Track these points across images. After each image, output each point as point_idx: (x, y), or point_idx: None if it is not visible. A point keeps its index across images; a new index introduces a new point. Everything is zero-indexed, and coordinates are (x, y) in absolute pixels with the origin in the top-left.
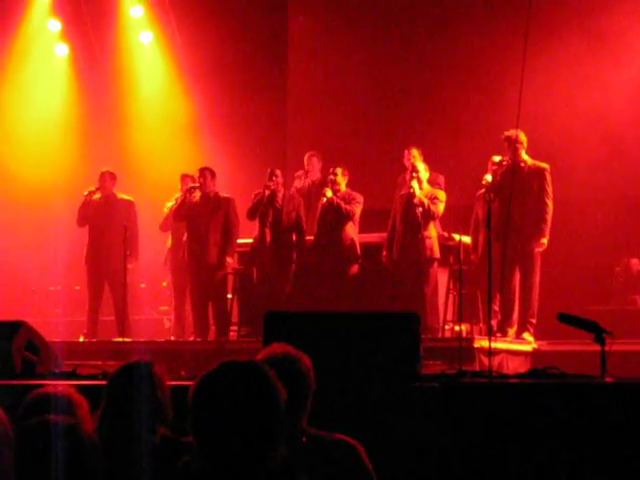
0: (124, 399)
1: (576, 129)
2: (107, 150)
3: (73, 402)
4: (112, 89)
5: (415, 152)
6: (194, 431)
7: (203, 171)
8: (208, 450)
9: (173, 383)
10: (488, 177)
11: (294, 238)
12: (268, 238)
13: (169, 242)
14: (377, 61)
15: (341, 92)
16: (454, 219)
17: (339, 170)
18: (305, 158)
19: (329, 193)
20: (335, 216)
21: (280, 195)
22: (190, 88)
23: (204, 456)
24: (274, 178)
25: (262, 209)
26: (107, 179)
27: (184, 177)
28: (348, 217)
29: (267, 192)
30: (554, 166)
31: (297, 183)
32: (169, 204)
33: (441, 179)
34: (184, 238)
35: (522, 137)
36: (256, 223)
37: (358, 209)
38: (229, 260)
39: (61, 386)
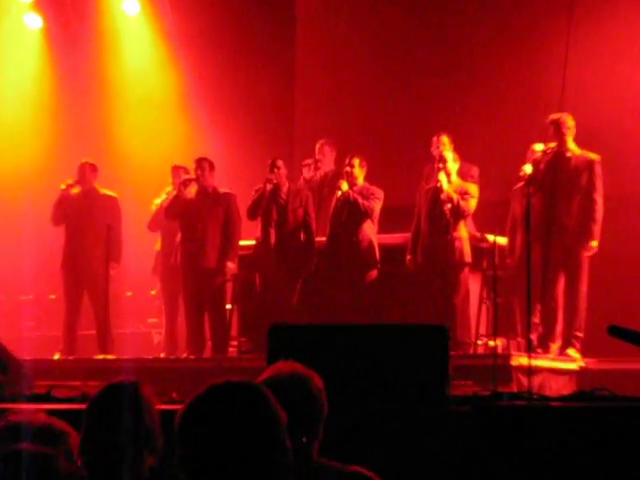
0: (106, 426)
1: (628, 115)
2: (86, 137)
3: (55, 432)
4: (92, 66)
5: (445, 139)
6: (181, 463)
7: (200, 162)
8: None
9: (163, 407)
10: (527, 168)
11: (302, 239)
12: (272, 239)
13: (158, 244)
14: (396, 38)
15: (356, 73)
16: (488, 217)
17: (356, 160)
18: (317, 146)
19: (345, 186)
20: (351, 214)
21: (284, 189)
22: (183, 67)
23: None
24: (276, 170)
25: (264, 206)
26: (87, 171)
27: (176, 169)
28: (366, 215)
29: (269, 186)
30: (604, 158)
31: (305, 173)
32: (158, 200)
33: (475, 171)
34: (177, 239)
35: (570, 122)
36: (258, 223)
37: (377, 206)
38: (229, 265)
39: (38, 413)
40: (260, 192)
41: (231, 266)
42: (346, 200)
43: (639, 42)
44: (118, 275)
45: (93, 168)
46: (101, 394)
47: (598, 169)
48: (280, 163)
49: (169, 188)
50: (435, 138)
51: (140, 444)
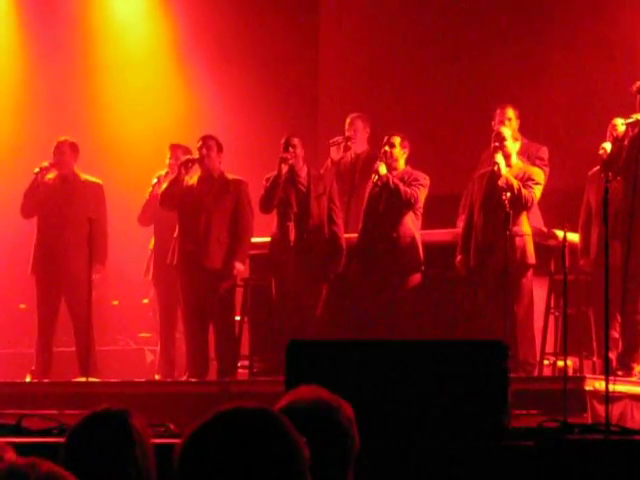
0: (89, 462)
1: None
2: (64, 112)
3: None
4: (71, 24)
5: (511, 112)
6: None
7: (207, 140)
8: None
9: (158, 441)
10: (607, 146)
11: (326, 235)
12: (292, 236)
13: (152, 242)
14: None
15: (391, 36)
16: (557, 209)
17: (397, 139)
18: (347, 121)
19: (383, 169)
20: (390, 204)
21: (303, 174)
22: (184, 25)
23: None
24: (291, 149)
25: (280, 195)
26: (66, 151)
27: (174, 148)
28: (409, 205)
29: (284, 168)
30: None
31: (334, 154)
32: (153, 180)
33: (544, 152)
34: (174, 234)
35: None
36: (273, 216)
37: (423, 195)
38: (239, 266)
39: (7, 451)
40: (274, 178)
41: (240, 268)
42: (384, 187)
43: None
44: (103, 280)
45: (73, 148)
46: (81, 425)
47: None
48: (296, 141)
49: (162, 171)
50: (498, 110)
51: None
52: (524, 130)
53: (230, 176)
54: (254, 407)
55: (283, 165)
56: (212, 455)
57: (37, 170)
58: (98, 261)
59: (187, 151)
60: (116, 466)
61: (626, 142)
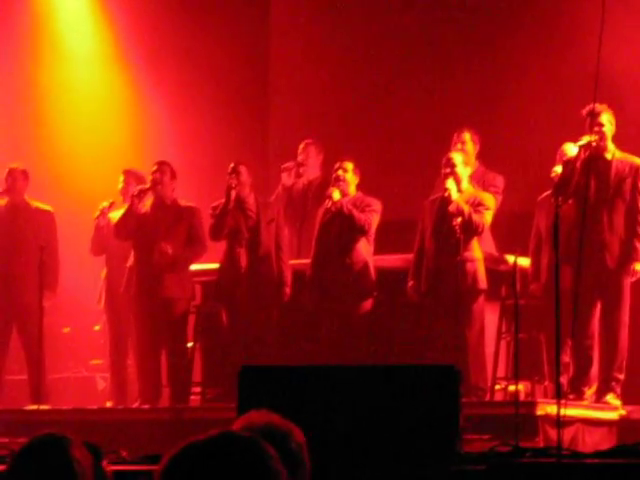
0: None
1: None
2: (12, 137)
3: None
4: (22, 53)
5: (467, 136)
6: None
7: (161, 166)
8: None
9: (112, 468)
10: (558, 169)
11: (273, 262)
12: (243, 262)
13: (104, 271)
14: (394, 13)
15: (343, 62)
16: (508, 233)
17: (350, 165)
18: (300, 147)
19: (337, 195)
20: (343, 229)
21: (250, 201)
22: (133, 58)
23: None
24: (234, 176)
25: (230, 223)
26: (17, 179)
27: (127, 174)
28: (362, 231)
29: (233, 193)
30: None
31: (285, 180)
32: (96, 213)
33: (499, 180)
34: (129, 263)
35: (609, 116)
36: (222, 244)
37: (375, 220)
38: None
39: None
40: (222, 206)
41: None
42: (338, 212)
43: None
44: (54, 307)
45: (24, 175)
46: (20, 454)
47: None
48: (242, 169)
49: (105, 203)
50: (455, 135)
51: None
52: (480, 154)
53: (183, 203)
54: (241, 434)
55: (232, 192)
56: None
57: None
58: (49, 288)
59: (140, 177)
60: None
61: (578, 164)
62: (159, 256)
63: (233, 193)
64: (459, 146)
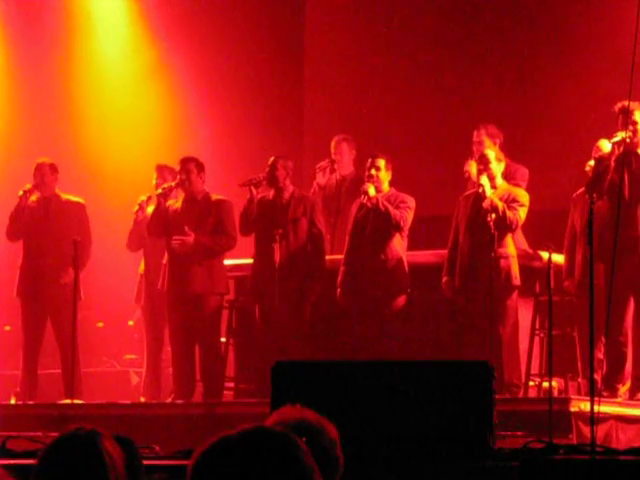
0: None
1: None
2: (46, 133)
3: None
4: (55, 48)
5: (483, 133)
6: None
7: (185, 164)
8: None
9: (146, 463)
10: (592, 163)
11: (308, 256)
12: (277, 258)
13: (142, 266)
14: (427, 20)
15: (376, 59)
16: (542, 231)
17: (382, 162)
18: (332, 144)
19: (372, 191)
20: (377, 225)
21: (286, 195)
22: (168, 49)
23: None
24: (272, 172)
25: (260, 217)
26: (46, 173)
27: (161, 169)
28: (398, 227)
29: (254, 191)
30: None
31: (320, 179)
32: (135, 208)
33: (523, 172)
34: (164, 260)
35: None
36: (252, 239)
37: (410, 217)
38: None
39: None
40: (247, 200)
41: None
42: (373, 208)
43: None
44: (88, 301)
45: (53, 169)
46: (51, 449)
47: None
48: (280, 163)
49: (143, 197)
50: (475, 131)
51: None
52: (509, 150)
53: (214, 196)
54: (274, 429)
55: (253, 188)
56: (235, 474)
57: (21, 193)
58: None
59: (173, 172)
60: None
61: (612, 162)
62: (178, 244)
63: (254, 189)
64: (484, 140)
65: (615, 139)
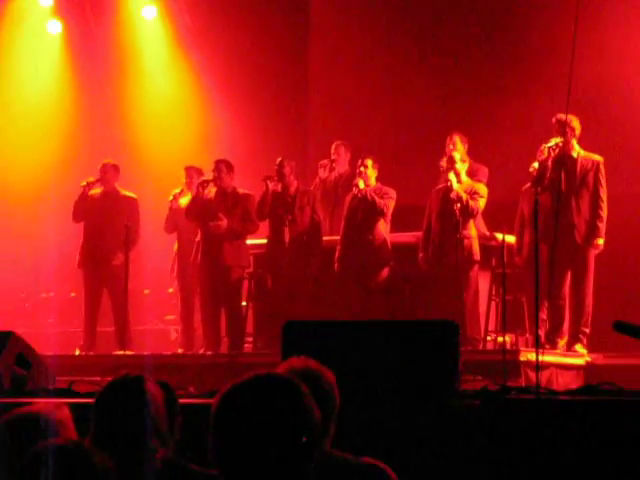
0: (113, 420)
1: (634, 116)
2: (104, 139)
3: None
4: (110, 70)
5: (457, 138)
6: (216, 453)
7: (218, 164)
8: (233, 475)
9: (182, 401)
10: (535, 165)
11: (309, 238)
12: (286, 238)
13: (176, 245)
14: (411, 37)
15: (369, 74)
16: (497, 216)
17: (369, 161)
18: (332, 147)
19: (362, 184)
20: (366, 212)
21: (292, 189)
22: (199, 70)
23: None
24: (280, 170)
25: (272, 206)
26: (110, 172)
27: (189, 169)
28: (381, 213)
29: (271, 185)
30: (610, 158)
31: (321, 173)
32: (170, 197)
33: (484, 171)
34: (197, 238)
35: (575, 122)
36: (266, 223)
37: (391, 205)
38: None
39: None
40: (263, 193)
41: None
42: (363, 199)
43: None
44: (136, 273)
45: (116, 169)
46: (105, 390)
47: (603, 170)
48: (286, 163)
49: (177, 189)
50: (448, 138)
51: (148, 436)
52: (473, 151)
53: (241, 191)
54: (281, 374)
55: (269, 182)
56: (248, 409)
57: (84, 183)
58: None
59: (199, 171)
60: (135, 421)
61: (549, 163)
62: (215, 227)
63: (270, 184)
64: (451, 147)
65: (549, 144)
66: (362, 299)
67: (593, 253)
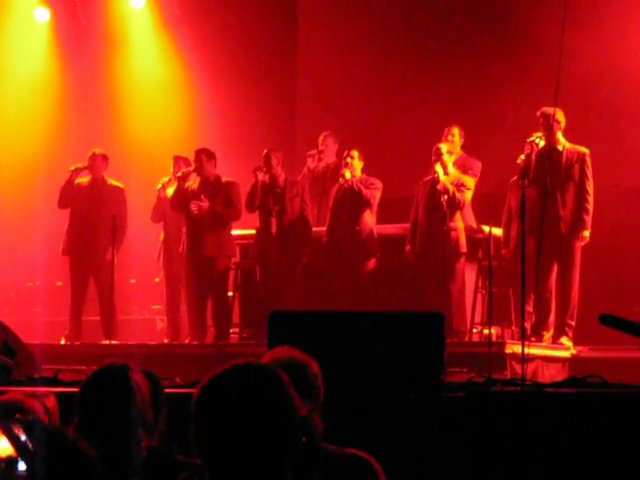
0: (97, 410)
1: (622, 111)
2: (92, 127)
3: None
4: (99, 59)
5: (455, 130)
6: (198, 443)
7: (198, 154)
8: (215, 464)
9: (168, 391)
10: (523, 157)
11: (299, 228)
12: (274, 229)
13: (162, 235)
14: (399, 29)
15: (357, 65)
16: (484, 209)
17: (355, 153)
18: (320, 138)
19: (348, 174)
20: (353, 203)
21: (281, 180)
22: (187, 60)
23: (211, 473)
24: (267, 161)
25: (261, 196)
26: (98, 161)
27: (177, 159)
28: (368, 203)
29: (260, 177)
30: (597, 150)
31: (310, 163)
32: (158, 186)
33: (477, 165)
34: (183, 229)
35: (560, 116)
36: (256, 214)
37: (377, 195)
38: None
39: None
40: (253, 184)
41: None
42: (349, 189)
43: (631, 38)
44: (122, 263)
45: (104, 158)
46: (90, 379)
47: (588, 161)
48: (273, 154)
49: (165, 178)
50: (446, 129)
51: (133, 426)
52: (465, 145)
53: (224, 179)
54: (260, 363)
55: (258, 173)
56: (229, 398)
57: (72, 168)
58: (117, 247)
59: (187, 161)
60: (119, 409)
61: (533, 157)
62: (196, 207)
63: (260, 175)
64: (450, 138)
65: (530, 139)
66: (348, 289)
67: (579, 246)
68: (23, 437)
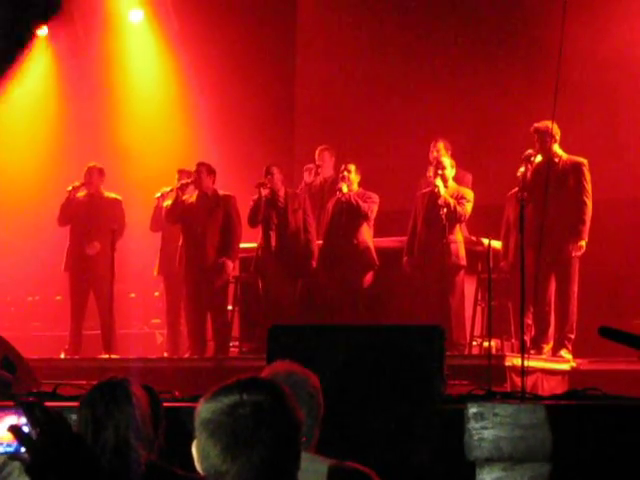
0: (97, 424)
1: (618, 123)
2: (91, 142)
3: None
4: (97, 73)
5: (441, 145)
6: (200, 457)
7: (198, 167)
8: (218, 479)
9: (167, 405)
10: (522, 169)
11: (302, 241)
12: (273, 243)
13: (160, 245)
14: (394, 44)
15: (354, 81)
16: (483, 222)
17: (352, 167)
18: (316, 152)
19: (345, 188)
20: (350, 216)
21: (281, 194)
22: (186, 74)
23: None
24: (270, 176)
25: (263, 211)
26: (94, 175)
27: (181, 172)
28: (365, 217)
29: (264, 192)
30: (594, 162)
31: (307, 177)
32: (157, 194)
33: (468, 178)
34: (179, 243)
35: (555, 129)
36: (259, 228)
37: (374, 209)
38: (228, 263)
39: None
40: (255, 201)
41: (230, 265)
42: (346, 202)
43: (630, 46)
44: (122, 276)
45: (100, 172)
46: (91, 393)
47: (586, 172)
48: (274, 169)
49: (166, 188)
50: (432, 143)
51: (133, 440)
52: (459, 158)
53: (221, 192)
54: (264, 378)
55: (262, 189)
56: (230, 413)
57: (70, 188)
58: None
59: (190, 175)
60: (119, 424)
61: (528, 175)
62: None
63: (263, 190)
64: (434, 153)
65: (528, 155)
66: (346, 303)
67: (577, 257)
68: (24, 421)
